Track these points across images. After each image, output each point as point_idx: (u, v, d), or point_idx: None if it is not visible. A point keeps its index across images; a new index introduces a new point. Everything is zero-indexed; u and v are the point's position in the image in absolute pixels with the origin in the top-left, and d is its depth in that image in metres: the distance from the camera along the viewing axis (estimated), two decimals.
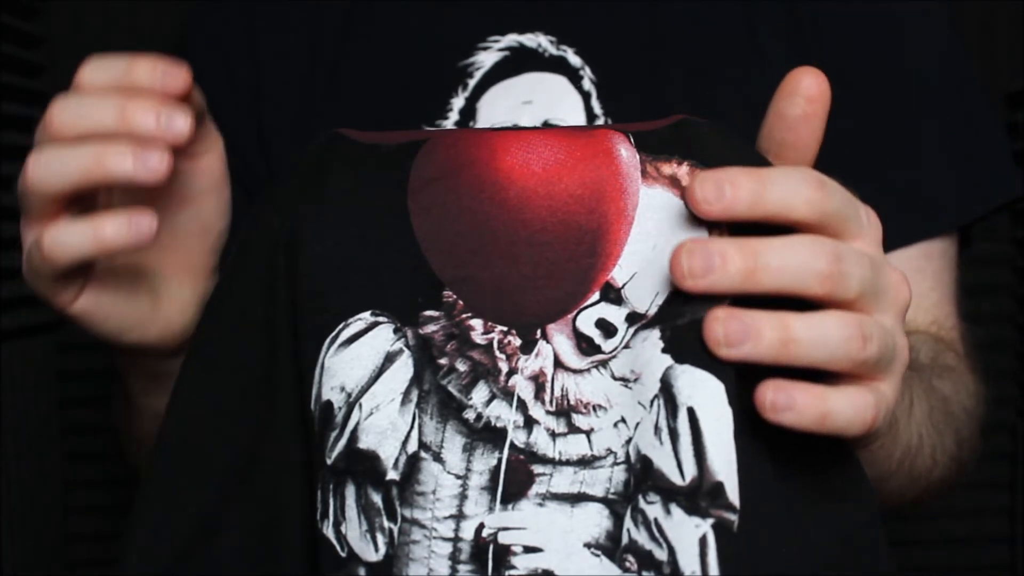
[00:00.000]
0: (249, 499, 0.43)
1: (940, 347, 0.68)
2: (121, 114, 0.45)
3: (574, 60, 0.67)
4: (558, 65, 0.67)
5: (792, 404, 0.39)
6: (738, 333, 0.38)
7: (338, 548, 0.41)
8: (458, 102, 0.67)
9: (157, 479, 0.45)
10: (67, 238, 0.45)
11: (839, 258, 0.40)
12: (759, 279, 0.39)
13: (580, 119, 0.66)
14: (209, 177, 0.54)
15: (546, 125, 0.64)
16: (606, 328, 0.42)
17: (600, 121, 0.66)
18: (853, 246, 0.41)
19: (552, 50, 0.67)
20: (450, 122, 0.68)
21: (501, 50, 0.68)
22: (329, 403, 0.41)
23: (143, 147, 0.44)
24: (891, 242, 0.66)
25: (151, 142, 0.45)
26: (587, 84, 0.67)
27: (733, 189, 0.39)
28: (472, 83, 0.67)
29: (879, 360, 0.41)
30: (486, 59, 0.68)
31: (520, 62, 0.67)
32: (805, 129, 0.45)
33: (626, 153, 0.43)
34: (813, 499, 0.41)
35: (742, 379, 0.40)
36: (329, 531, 0.41)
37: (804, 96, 0.44)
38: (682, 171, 0.42)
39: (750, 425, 0.40)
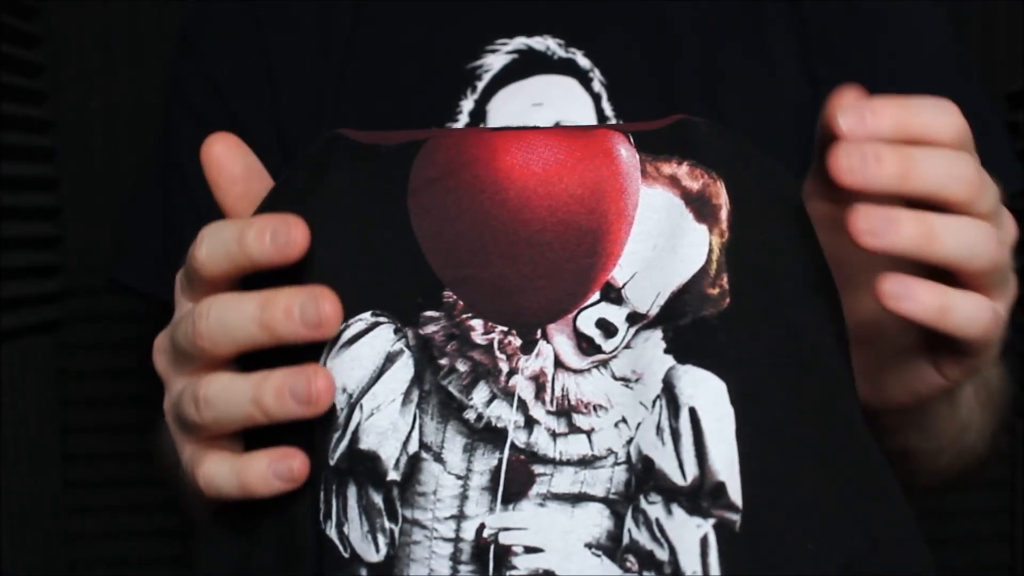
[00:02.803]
0: (268, 508, 0.42)
1: None
2: (262, 327, 0.41)
3: (583, 62, 0.67)
4: (567, 67, 0.67)
5: (911, 294, 0.40)
6: (882, 224, 0.40)
7: (341, 549, 0.41)
8: (467, 104, 0.67)
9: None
10: (216, 477, 0.42)
11: (980, 170, 0.42)
12: (912, 179, 0.40)
13: (591, 121, 0.66)
14: None
15: (557, 126, 0.64)
16: (606, 328, 0.42)
17: (610, 123, 0.66)
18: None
19: (561, 52, 0.68)
20: (459, 124, 0.68)
21: (509, 52, 0.68)
22: (332, 404, 0.41)
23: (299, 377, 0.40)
24: None
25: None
26: (597, 86, 0.67)
27: (875, 116, 0.41)
28: (481, 85, 0.67)
29: (1004, 274, 0.43)
30: (494, 61, 0.68)
31: (529, 64, 0.68)
32: None
33: (626, 153, 0.43)
34: (834, 498, 0.41)
35: (746, 379, 0.40)
36: (332, 532, 0.41)
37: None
38: (682, 171, 0.42)
39: (759, 424, 0.40)
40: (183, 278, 0.44)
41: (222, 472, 0.42)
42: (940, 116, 0.42)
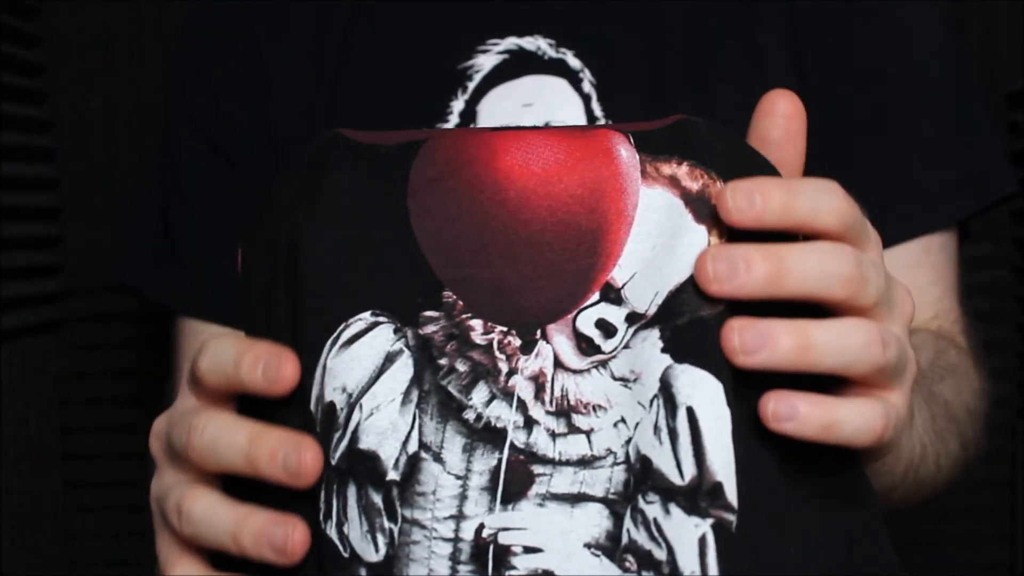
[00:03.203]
0: (262, 503, 0.42)
1: (942, 345, 0.68)
2: (247, 462, 0.42)
3: (573, 63, 0.67)
4: (558, 68, 0.67)
5: (795, 414, 0.39)
6: (754, 340, 0.38)
7: (341, 548, 0.41)
8: (458, 105, 0.68)
9: None
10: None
11: (859, 263, 0.40)
12: (783, 283, 0.39)
13: (580, 121, 0.66)
14: None
15: (556, 127, 0.65)
16: (606, 328, 0.42)
17: (601, 123, 0.66)
18: (868, 255, 0.42)
19: (551, 53, 0.68)
20: (450, 124, 0.68)
21: (500, 53, 0.68)
22: (332, 404, 0.41)
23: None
24: (891, 237, 0.66)
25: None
26: (587, 86, 0.67)
27: (764, 199, 0.39)
28: (472, 86, 0.68)
29: (895, 367, 0.41)
30: (485, 62, 0.68)
31: (519, 65, 0.68)
32: (789, 148, 0.45)
33: (626, 153, 0.43)
34: (818, 501, 0.41)
35: (742, 379, 0.40)
36: (332, 531, 0.41)
37: (782, 116, 0.45)
38: (682, 171, 0.42)
39: (750, 425, 0.40)
40: (189, 375, 0.45)
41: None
42: (825, 200, 0.40)
